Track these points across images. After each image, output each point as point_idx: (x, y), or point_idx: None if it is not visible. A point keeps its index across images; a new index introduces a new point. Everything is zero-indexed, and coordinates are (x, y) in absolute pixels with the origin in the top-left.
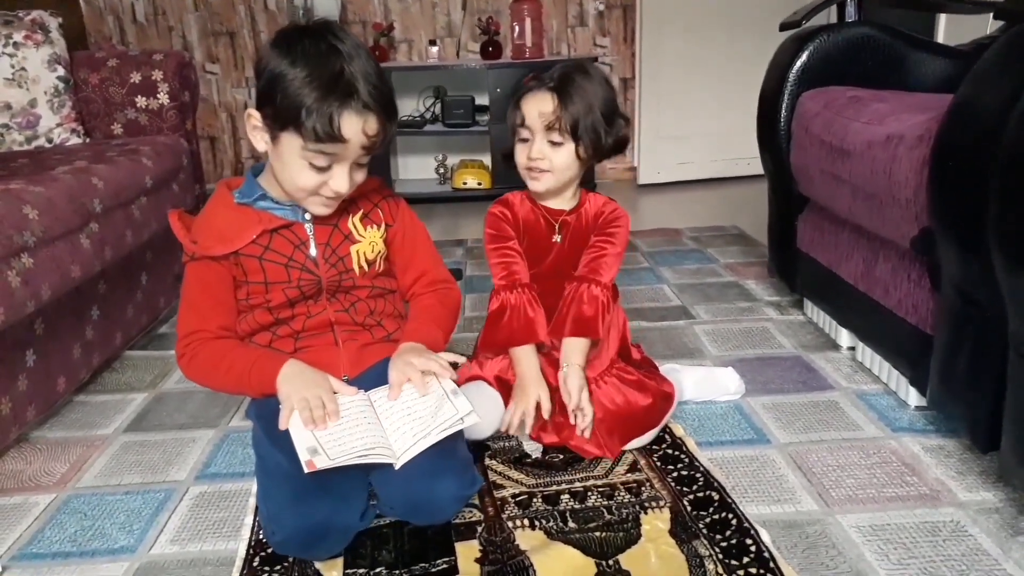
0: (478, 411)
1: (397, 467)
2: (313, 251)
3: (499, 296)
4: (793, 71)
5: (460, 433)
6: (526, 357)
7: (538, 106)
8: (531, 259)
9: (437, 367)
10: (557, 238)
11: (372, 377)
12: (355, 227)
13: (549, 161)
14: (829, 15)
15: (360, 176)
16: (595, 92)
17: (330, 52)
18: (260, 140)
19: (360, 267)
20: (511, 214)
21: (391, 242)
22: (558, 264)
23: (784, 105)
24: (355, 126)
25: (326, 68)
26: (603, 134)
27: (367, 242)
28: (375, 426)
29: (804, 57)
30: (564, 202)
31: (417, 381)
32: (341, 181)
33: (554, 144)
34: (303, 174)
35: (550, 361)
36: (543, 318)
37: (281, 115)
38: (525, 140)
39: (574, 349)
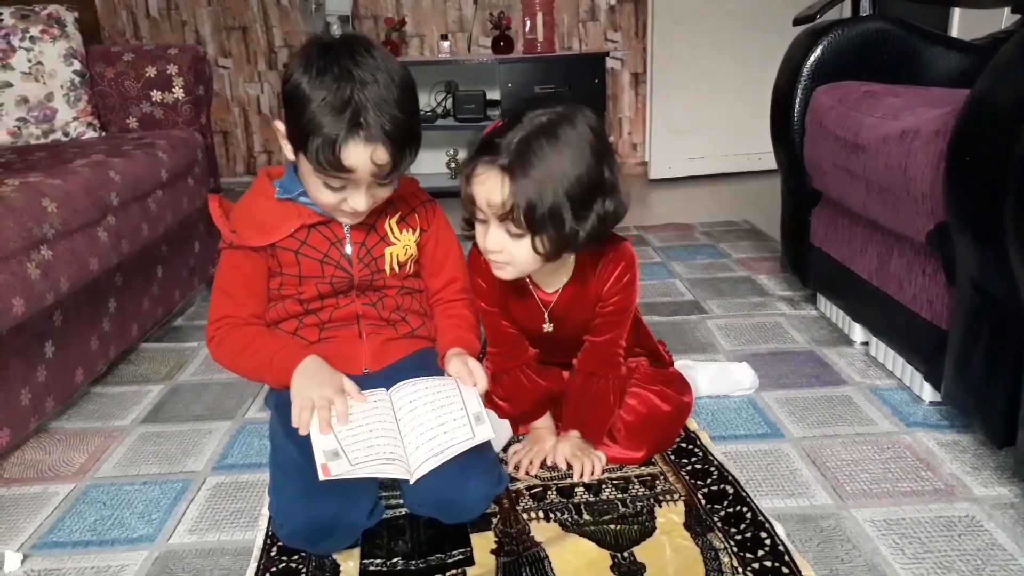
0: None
1: (411, 482)
2: (348, 249)
3: (495, 380)
4: (807, 65)
5: None
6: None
7: (486, 193)
8: (521, 330)
9: (481, 379)
10: (548, 327)
11: (393, 372)
12: (391, 230)
13: (508, 253)
14: (843, 9)
15: (384, 192)
16: (563, 167)
17: (343, 77)
18: (288, 149)
19: (391, 268)
20: (487, 284)
21: (423, 247)
22: (556, 342)
23: (798, 100)
24: (361, 156)
25: (336, 95)
26: (569, 224)
27: (401, 245)
28: (394, 435)
29: (818, 51)
30: (552, 280)
31: (466, 377)
32: (359, 201)
33: (513, 235)
34: (321, 191)
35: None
36: (544, 394)
37: (294, 137)
38: (482, 221)
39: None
